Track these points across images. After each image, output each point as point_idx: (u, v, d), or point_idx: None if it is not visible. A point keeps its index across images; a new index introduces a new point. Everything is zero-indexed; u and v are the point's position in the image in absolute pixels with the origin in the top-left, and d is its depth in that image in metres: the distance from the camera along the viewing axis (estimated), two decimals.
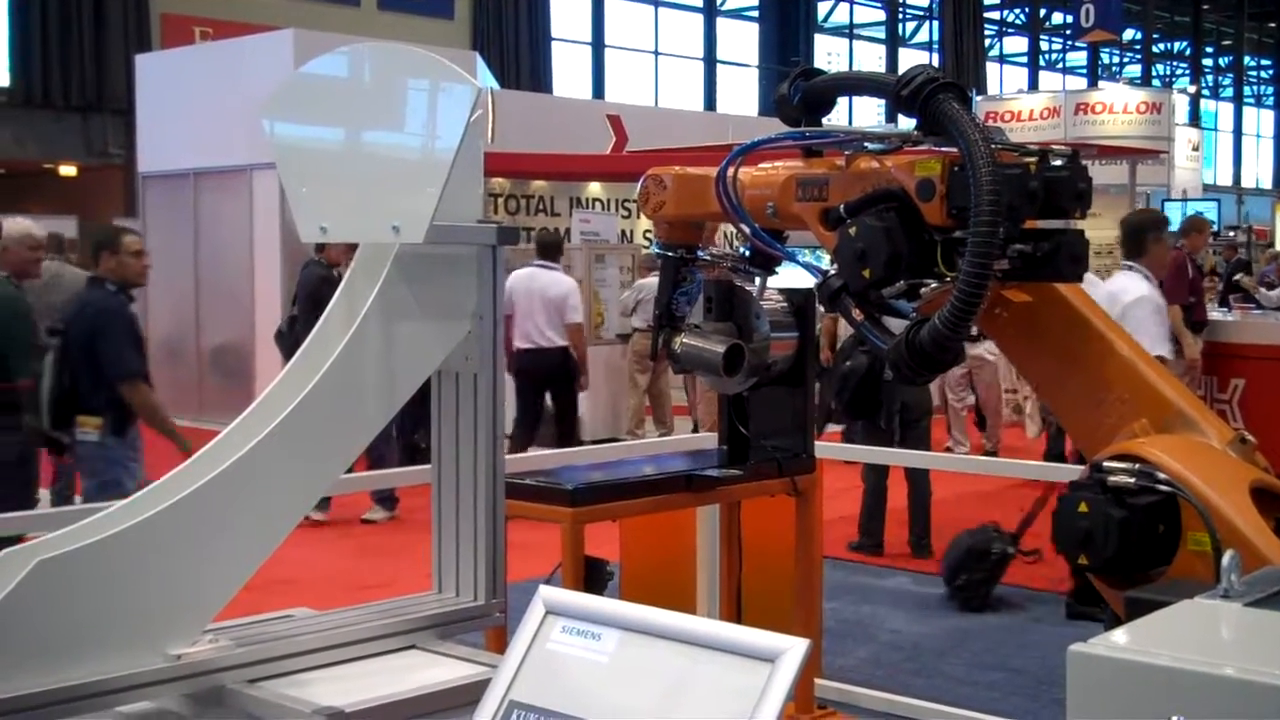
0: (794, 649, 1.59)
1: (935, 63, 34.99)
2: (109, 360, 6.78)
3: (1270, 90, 56.71)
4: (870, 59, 38.31)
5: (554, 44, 29.84)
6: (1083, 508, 3.15)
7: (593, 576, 4.48)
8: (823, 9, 38.73)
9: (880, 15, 40.92)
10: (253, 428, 2.63)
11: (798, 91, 3.57)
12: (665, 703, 1.64)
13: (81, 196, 23.83)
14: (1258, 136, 55.24)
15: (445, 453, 2.91)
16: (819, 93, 3.58)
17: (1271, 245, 31.74)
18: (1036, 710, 5.88)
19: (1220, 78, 54.22)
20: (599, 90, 31.64)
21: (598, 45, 32.41)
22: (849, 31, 40.12)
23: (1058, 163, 3.27)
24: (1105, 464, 3.20)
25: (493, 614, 2.87)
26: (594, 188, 18.48)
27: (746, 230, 3.69)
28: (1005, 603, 7.86)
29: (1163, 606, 2.68)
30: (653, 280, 9.84)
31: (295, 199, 2.84)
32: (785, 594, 5.66)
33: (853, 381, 8.55)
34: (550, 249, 11.53)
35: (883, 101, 3.47)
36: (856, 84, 4.30)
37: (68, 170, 24.40)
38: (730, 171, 3.62)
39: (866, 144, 3.42)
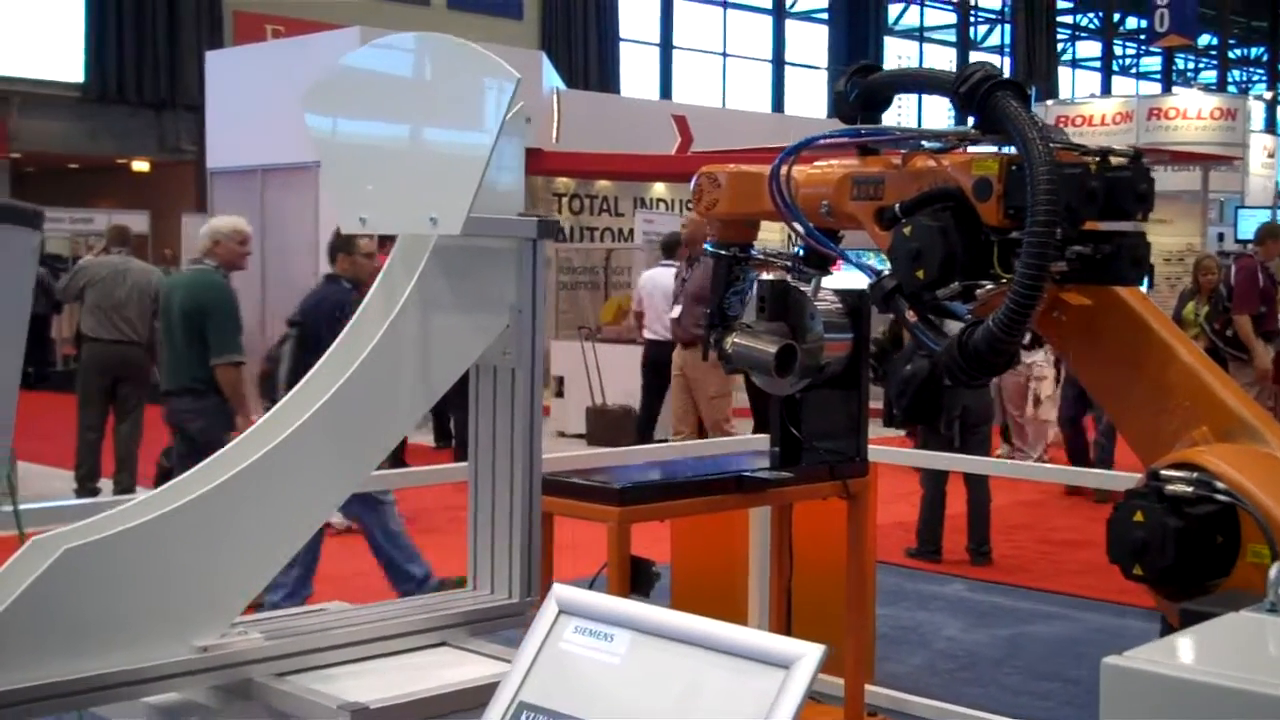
0: (809, 655, 1.53)
1: (1006, 66, 34.68)
2: None
3: None
4: (941, 62, 38.00)
5: (622, 44, 29.83)
6: (1138, 517, 3.06)
7: (639, 577, 4.43)
8: (893, 11, 38.48)
9: (951, 18, 40.63)
10: (287, 419, 2.60)
11: (854, 88, 3.51)
12: (677, 707, 1.58)
13: (153, 192, 24.13)
14: None
15: (482, 448, 2.88)
16: (876, 90, 3.52)
17: None
18: None
19: None
20: (666, 91, 31.60)
21: (666, 46, 32.37)
22: (919, 34, 39.88)
23: (1119, 163, 3.19)
24: (1163, 472, 3.11)
25: (527, 612, 2.83)
26: (658, 188, 18.45)
27: (800, 229, 3.63)
28: (1059, 613, 7.75)
29: (1209, 618, 2.60)
30: None
31: (335, 190, 2.82)
32: (837, 599, 5.59)
33: (914, 386, 8.41)
34: (669, 248, 12.30)
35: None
36: (914, 81, 4.23)
37: (140, 166, 24.71)
38: (784, 170, 3.56)
39: (923, 142, 3.36)
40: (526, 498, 2.80)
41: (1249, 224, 25.26)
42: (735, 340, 4.07)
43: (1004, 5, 40.68)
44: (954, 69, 3.35)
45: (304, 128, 9.43)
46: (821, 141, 3.62)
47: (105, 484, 10.20)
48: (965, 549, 8.99)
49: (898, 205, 3.25)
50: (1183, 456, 3.14)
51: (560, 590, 1.77)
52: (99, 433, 10.21)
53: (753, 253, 4.13)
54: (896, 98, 3.75)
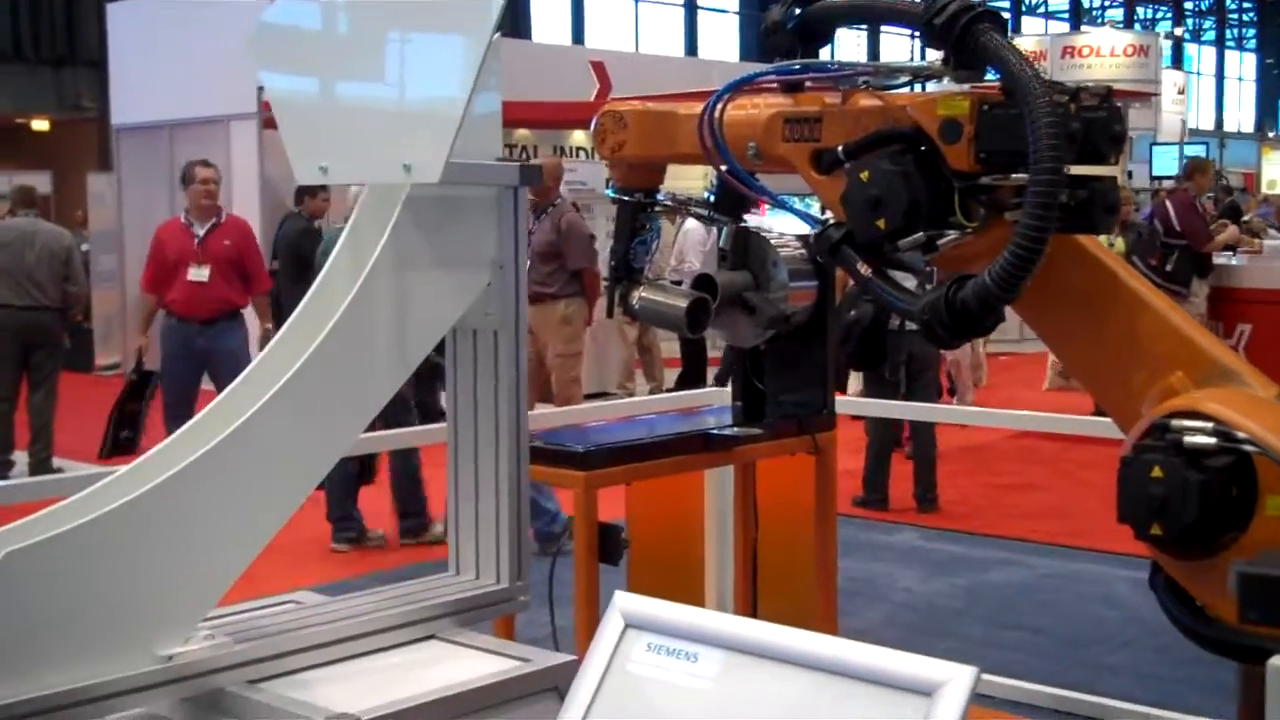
0: (957, 680, 1.29)
1: None
2: None
3: (1252, 33, 56.40)
4: None
5: None
6: (1156, 472, 2.85)
7: (608, 545, 4.19)
8: None
9: None
10: (249, 395, 2.32)
11: (793, 18, 3.22)
12: None
13: (55, 151, 23.41)
14: (1239, 80, 55.00)
15: (463, 419, 2.61)
16: (820, 20, 3.21)
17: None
18: (1064, 673, 5.63)
19: (1201, 21, 53.86)
20: (579, 36, 31.17)
21: None
22: None
23: (1090, 102, 2.96)
24: (1174, 423, 2.90)
25: (516, 598, 2.58)
26: (578, 136, 18.09)
27: (730, 173, 3.34)
28: (1012, 559, 7.64)
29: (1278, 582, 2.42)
30: None
31: (289, 134, 2.52)
32: (797, 555, 5.40)
33: (857, 332, 8.25)
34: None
35: (862, 36, 3.14)
36: (871, 11, 3.85)
37: (40, 125, 23.96)
38: (719, 109, 3.27)
39: (868, 79, 3.09)
40: (514, 472, 2.55)
41: (1163, 160, 25.46)
42: (643, 295, 3.76)
43: None
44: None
45: (214, 81, 9.14)
46: (763, 80, 3.32)
47: (20, 456, 9.81)
48: (913, 496, 8.86)
49: (841, 148, 2.98)
50: (1183, 404, 2.93)
51: (625, 600, 1.49)
52: (12, 403, 9.84)
53: (659, 198, 3.83)
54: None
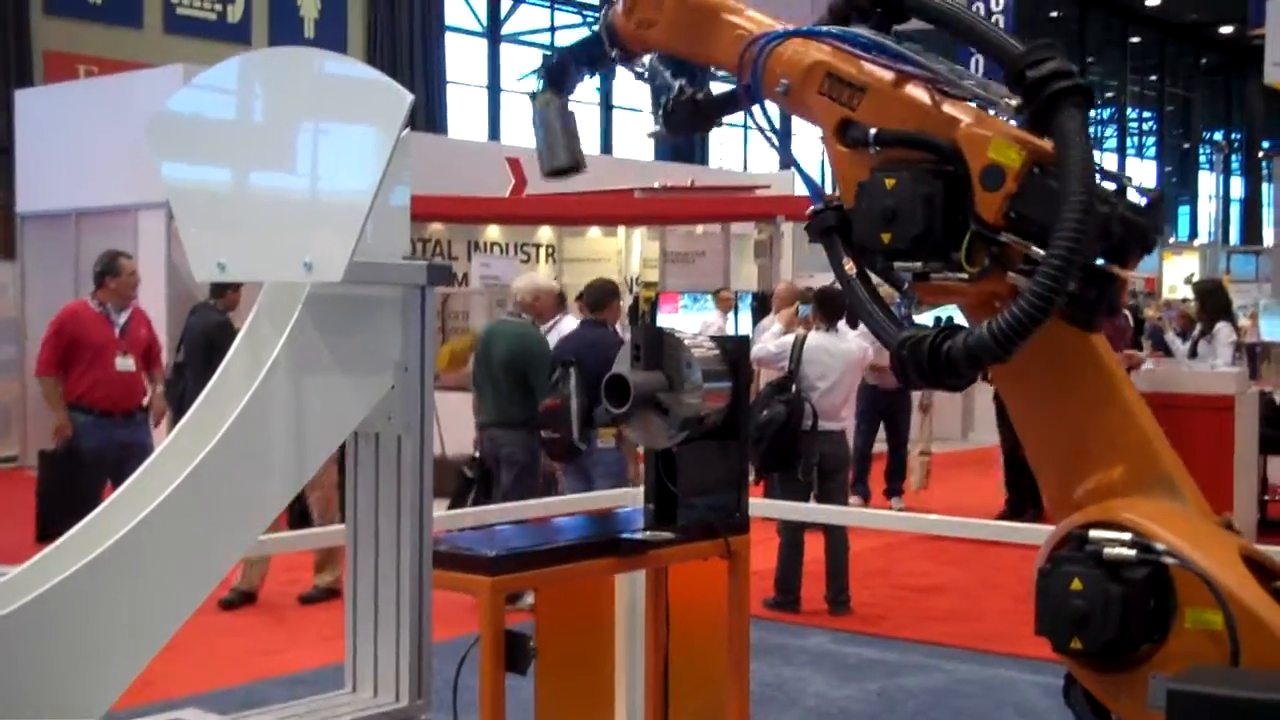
0: None
1: None
2: None
3: (1151, 141, 58.01)
4: None
5: (449, 87, 29.48)
6: (1076, 585, 2.79)
7: (515, 654, 4.07)
8: None
9: None
10: (139, 499, 2.20)
11: None
12: None
13: None
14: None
15: (363, 525, 2.50)
16: (917, 6, 2.99)
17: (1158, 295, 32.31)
18: None
19: (1103, 129, 55.32)
20: (495, 133, 31.32)
21: (493, 89, 32.12)
22: None
23: (1135, 201, 2.88)
24: (1093, 534, 2.85)
25: (418, 718, 2.46)
26: (492, 231, 18.09)
27: (750, 97, 3.11)
28: (925, 664, 7.57)
29: (1209, 700, 2.37)
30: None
31: (187, 228, 2.42)
32: (709, 660, 5.31)
33: (770, 431, 8.24)
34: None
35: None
36: (963, 26, 3.14)
37: None
38: (777, 44, 3.03)
39: (930, 75, 2.94)
40: (416, 583, 2.43)
41: None
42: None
43: None
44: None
45: (123, 169, 8.97)
46: (829, 39, 3.01)
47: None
48: (824, 598, 8.79)
49: (874, 131, 2.82)
50: (1099, 514, 2.89)
51: None
52: None
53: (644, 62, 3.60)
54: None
